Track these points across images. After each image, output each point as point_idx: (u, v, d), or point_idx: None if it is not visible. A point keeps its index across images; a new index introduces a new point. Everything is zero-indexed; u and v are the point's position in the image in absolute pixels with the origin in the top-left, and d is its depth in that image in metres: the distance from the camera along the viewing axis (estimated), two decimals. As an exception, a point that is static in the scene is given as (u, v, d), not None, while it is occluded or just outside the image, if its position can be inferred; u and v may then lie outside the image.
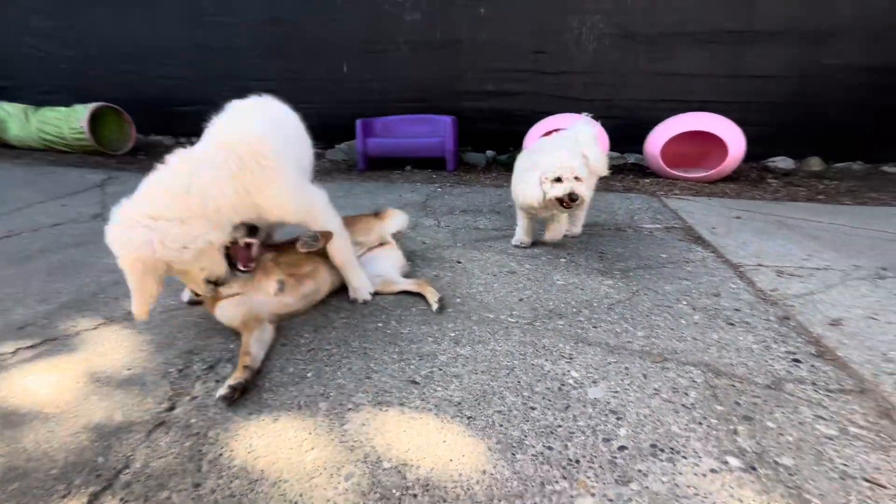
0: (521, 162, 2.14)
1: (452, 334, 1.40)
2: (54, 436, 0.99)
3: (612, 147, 4.49)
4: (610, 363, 1.25)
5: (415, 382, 1.17)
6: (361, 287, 1.61)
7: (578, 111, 4.35)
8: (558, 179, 1.84)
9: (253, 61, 5.54)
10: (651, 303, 1.61)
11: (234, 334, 1.37)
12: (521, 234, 2.21)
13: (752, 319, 1.49)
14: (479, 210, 2.97)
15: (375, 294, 1.65)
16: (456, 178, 4.28)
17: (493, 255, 2.10)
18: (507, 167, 4.79)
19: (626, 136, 4.64)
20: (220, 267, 1.27)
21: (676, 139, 3.89)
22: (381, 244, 1.84)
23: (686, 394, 1.12)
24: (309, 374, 1.20)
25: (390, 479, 0.87)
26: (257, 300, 1.39)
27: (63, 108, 5.10)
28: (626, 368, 1.22)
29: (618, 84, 4.68)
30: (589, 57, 4.69)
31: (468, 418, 1.04)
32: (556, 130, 3.77)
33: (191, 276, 1.25)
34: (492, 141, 5.11)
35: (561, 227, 2.12)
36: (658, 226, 2.61)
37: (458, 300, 1.63)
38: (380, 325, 1.46)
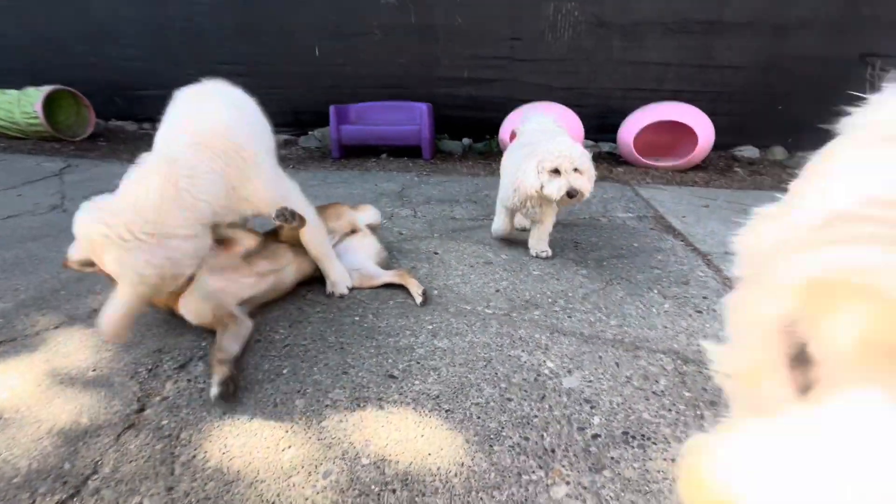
0: (514, 154, 1.96)
1: (430, 327, 1.41)
2: (15, 442, 0.95)
3: (587, 135, 4.54)
4: (584, 353, 1.28)
5: (392, 377, 1.17)
6: (339, 281, 1.59)
7: (554, 99, 4.39)
8: (556, 171, 1.68)
9: (219, 43, 5.31)
10: (624, 292, 1.66)
11: (206, 331, 1.34)
12: (501, 224, 2.06)
13: (718, 307, 1.54)
14: (455, 200, 2.96)
15: (353, 289, 1.63)
16: (432, 166, 4.25)
17: (470, 246, 2.10)
18: (484, 155, 4.79)
19: (599, 124, 4.70)
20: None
21: (648, 128, 3.96)
22: (353, 231, 1.80)
23: (656, 381, 1.16)
24: (285, 371, 1.19)
25: (369, 474, 0.87)
26: (218, 287, 1.33)
27: (14, 92, 4.77)
28: (600, 357, 1.26)
29: (592, 72, 4.72)
30: (564, 45, 4.70)
31: (446, 411, 1.05)
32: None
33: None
34: (468, 129, 5.09)
35: (546, 229, 1.94)
36: (631, 215, 2.66)
37: (436, 292, 1.64)
38: (356, 318, 1.45)
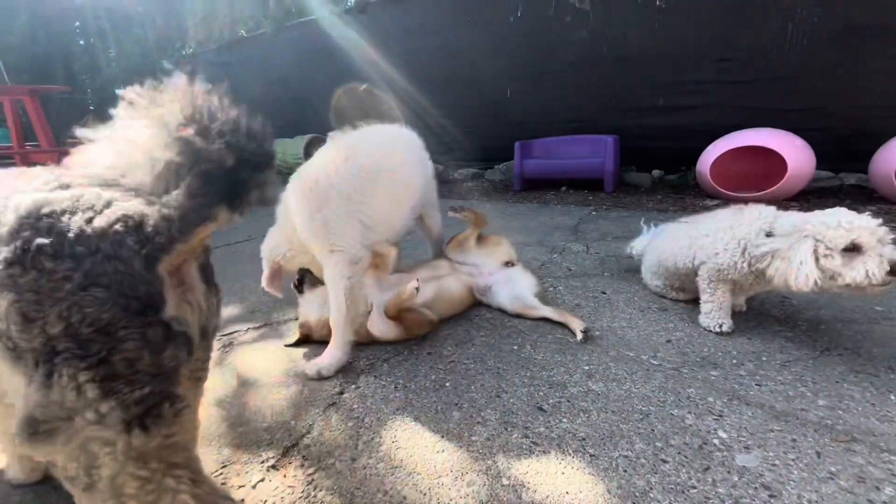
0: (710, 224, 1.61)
1: (586, 367, 1.39)
2: (265, 399, 1.34)
3: (823, 165, 3.72)
4: (772, 430, 1.08)
5: (542, 409, 1.21)
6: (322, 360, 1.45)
7: (774, 123, 3.73)
8: (854, 248, 1.24)
9: (428, 90, 6.22)
10: (846, 367, 1.32)
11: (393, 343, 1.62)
12: (716, 312, 1.56)
13: None
14: (634, 237, 2.79)
15: (517, 316, 1.73)
16: (613, 200, 4.08)
17: (643, 289, 1.97)
18: (676, 189, 4.36)
19: (843, 151, 3.79)
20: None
21: (922, 156, 3.01)
22: (510, 263, 1.91)
23: (878, 487, 0.91)
24: (447, 384, 1.35)
25: (507, 495, 0.94)
26: (389, 300, 1.57)
27: (289, 139, 6.56)
28: (794, 441, 1.05)
29: (831, 89, 3.85)
30: (795, 59, 3.97)
31: (591, 456, 1.04)
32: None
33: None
34: (660, 160, 4.72)
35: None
36: (877, 268, 2.07)
37: (598, 333, 1.60)
38: (515, 347, 1.54)
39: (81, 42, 12.17)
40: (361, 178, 1.49)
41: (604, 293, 1.96)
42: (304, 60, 7.48)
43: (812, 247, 1.28)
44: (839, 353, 1.40)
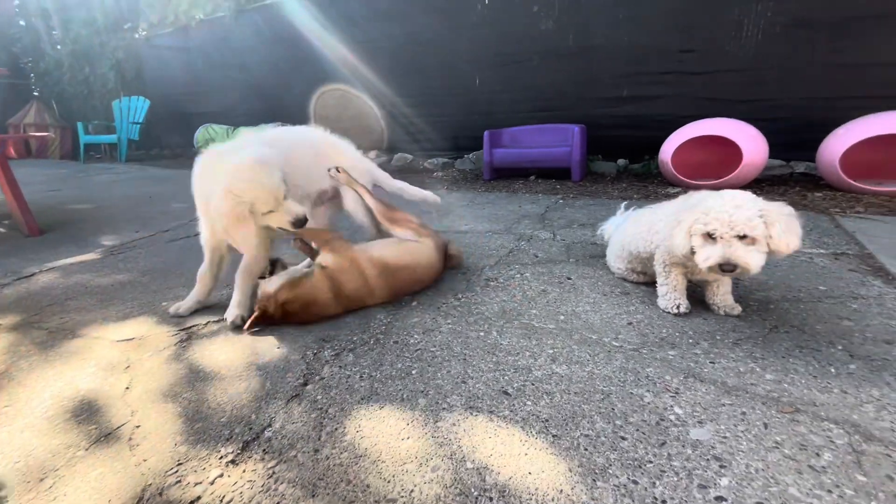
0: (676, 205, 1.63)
1: (551, 351, 1.42)
2: (225, 392, 1.30)
3: (775, 154, 3.90)
4: (723, 405, 1.13)
5: (506, 393, 1.22)
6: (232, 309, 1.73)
7: (731, 114, 3.88)
8: (710, 236, 1.38)
9: (395, 79, 6.13)
10: (792, 343, 1.40)
11: (357, 327, 1.60)
12: (671, 293, 1.63)
13: (937, 379, 1.19)
14: (599, 224, 2.86)
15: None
16: (580, 188, 4.16)
17: (607, 274, 2.02)
18: (640, 177, 4.48)
19: (793, 140, 3.98)
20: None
21: (864, 144, 3.20)
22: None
23: (818, 454, 0.97)
24: (413, 372, 1.35)
25: (471, 478, 0.95)
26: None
27: (253, 128, 6.33)
28: (743, 414, 1.10)
29: (783, 81, 4.02)
30: (748, 53, 4.12)
31: (553, 436, 1.06)
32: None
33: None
34: (625, 149, 4.83)
35: (728, 286, 1.59)
36: (822, 251, 2.20)
37: (562, 318, 1.63)
38: (482, 334, 1.55)
39: (22, 23, 11.32)
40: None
41: (569, 279, 1.99)
42: (265, 46, 7.22)
43: (689, 223, 1.41)
44: (786, 330, 1.48)
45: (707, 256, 1.36)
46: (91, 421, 1.21)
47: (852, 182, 3.27)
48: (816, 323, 1.51)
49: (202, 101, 8.53)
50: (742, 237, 1.33)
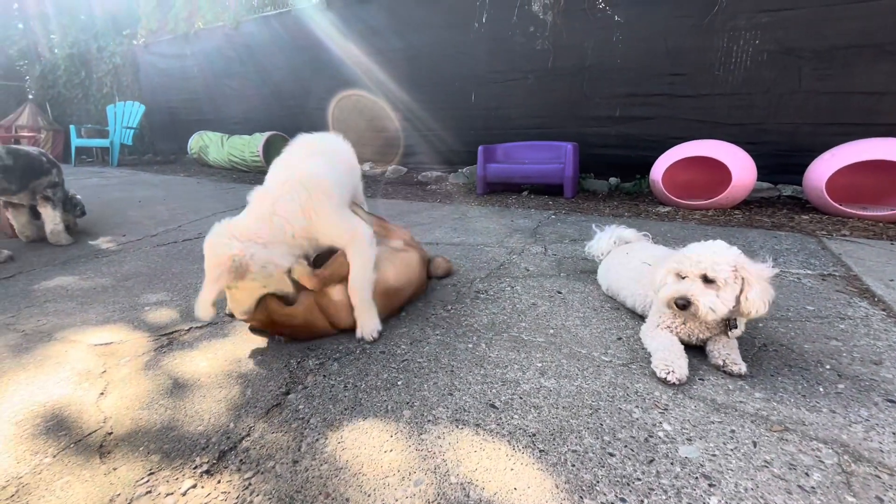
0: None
1: (539, 364, 1.40)
2: (204, 401, 1.25)
3: (763, 177, 3.97)
4: (712, 422, 1.12)
5: (493, 406, 1.20)
6: (367, 326, 1.59)
7: (721, 136, 3.95)
8: (680, 276, 1.37)
9: (390, 93, 6.18)
10: (780, 361, 1.39)
11: (344, 337, 1.57)
12: (664, 354, 1.34)
13: (924, 400, 1.19)
14: (590, 239, 2.86)
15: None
16: (573, 205, 4.18)
17: (598, 289, 2.02)
18: (632, 196, 4.52)
19: (780, 164, 4.06)
20: (287, 287, 1.50)
21: (849, 169, 3.26)
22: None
23: (807, 474, 0.95)
24: (399, 383, 1.32)
25: (454, 493, 0.92)
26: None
27: (247, 136, 6.33)
28: (732, 432, 1.08)
29: (771, 106, 4.12)
30: (738, 77, 4.22)
31: (540, 451, 1.03)
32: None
33: (249, 291, 1.45)
34: (617, 168, 4.89)
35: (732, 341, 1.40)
36: (810, 272, 2.22)
37: (552, 331, 1.62)
38: (470, 346, 1.53)
39: (20, 25, 11.31)
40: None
41: (559, 293, 1.98)
42: (264, 56, 7.27)
43: (669, 265, 1.41)
44: (775, 348, 1.47)
45: (666, 290, 1.37)
46: (61, 427, 1.16)
47: (838, 206, 3.32)
48: (804, 342, 1.51)
49: (197, 108, 8.54)
50: (707, 281, 1.31)
